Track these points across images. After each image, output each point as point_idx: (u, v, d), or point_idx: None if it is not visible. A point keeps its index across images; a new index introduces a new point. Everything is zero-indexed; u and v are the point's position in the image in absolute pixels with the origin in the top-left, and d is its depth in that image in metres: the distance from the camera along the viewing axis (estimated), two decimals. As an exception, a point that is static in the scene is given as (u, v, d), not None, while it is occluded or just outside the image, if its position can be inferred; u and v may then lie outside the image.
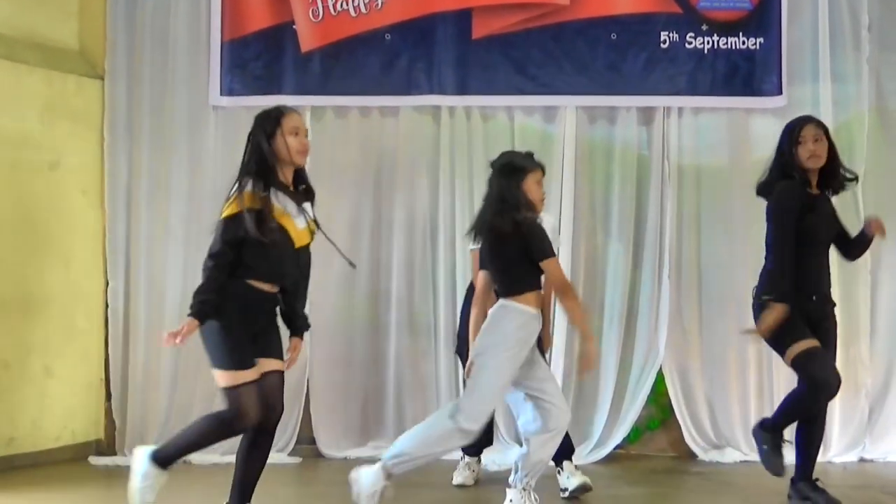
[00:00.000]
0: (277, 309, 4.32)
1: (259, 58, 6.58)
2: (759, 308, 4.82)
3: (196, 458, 6.30)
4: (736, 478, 5.93)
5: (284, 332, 4.40)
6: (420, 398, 6.52)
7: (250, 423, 4.15)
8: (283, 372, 4.30)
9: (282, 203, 4.17)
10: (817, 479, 4.84)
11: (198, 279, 6.38)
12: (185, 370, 6.44)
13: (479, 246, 5.42)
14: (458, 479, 5.62)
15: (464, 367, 5.71)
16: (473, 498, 5.46)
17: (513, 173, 4.61)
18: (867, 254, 6.33)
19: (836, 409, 6.34)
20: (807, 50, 6.52)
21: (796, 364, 4.71)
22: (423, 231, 6.58)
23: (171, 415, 6.44)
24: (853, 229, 5.08)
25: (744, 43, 6.48)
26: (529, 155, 4.72)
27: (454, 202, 6.52)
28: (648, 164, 6.56)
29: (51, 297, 6.26)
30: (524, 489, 4.68)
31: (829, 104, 6.39)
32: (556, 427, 4.67)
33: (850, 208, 6.05)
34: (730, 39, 6.49)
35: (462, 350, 5.68)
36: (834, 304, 4.97)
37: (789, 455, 4.93)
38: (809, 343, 4.68)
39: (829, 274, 4.94)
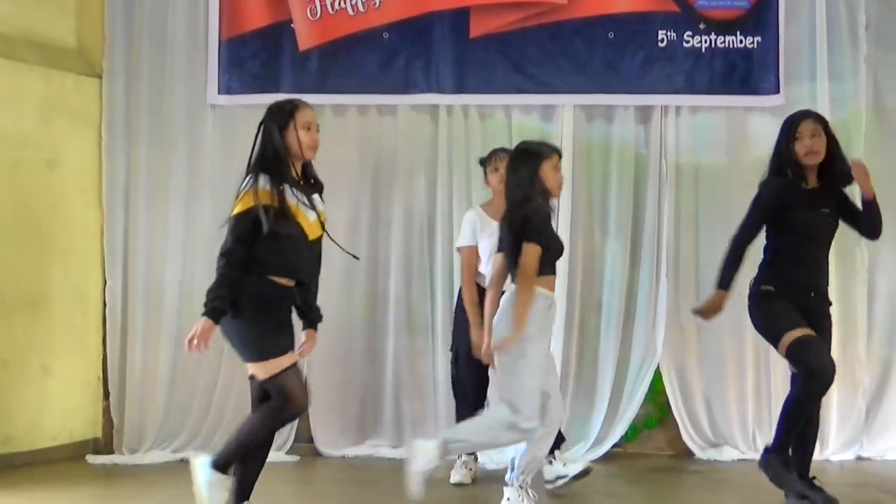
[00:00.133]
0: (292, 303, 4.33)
1: (257, 56, 6.58)
2: (753, 298, 4.83)
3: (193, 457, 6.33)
4: (733, 476, 5.93)
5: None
6: (418, 397, 6.53)
7: (301, 406, 4.16)
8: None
9: (294, 197, 4.17)
10: (814, 477, 4.83)
11: (196, 277, 6.42)
12: (183, 369, 6.44)
13: (465, 243, 5.48)
14: (455, 477, 5.61)
15: (455, 363, 5.73)
16: (471, 496, 5.46)
17: (528, 160, 4.63)
18: (865, 254, 6.39)
19: (833, 408, 6.36)
20: (804, 49, 6.52)
21: (791, 353, 4.68)
22: (421, 230, 6.59)
23: (170, 414, 6.45)
24: (853, 230, 5.06)
25: (741, 42, 6.49)
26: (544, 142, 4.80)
27: (452, 201, 6.51)
28: (646, 162, 6.56)
29: (49, 295, 6.26)
30: (521, 487, 4.70)
31: (827, 102, 6.38)
32: (552, 423, 4.69)
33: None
34: (727, 38, 6.49)
35: (458, 346, 5.69)
36: (830, 304, 4.96)
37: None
38: (803, 331, 4.66)
39: (827, 272, 4.93)
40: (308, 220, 4.21)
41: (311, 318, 4.43)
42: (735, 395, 6.47)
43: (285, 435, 6.35)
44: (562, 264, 5.82)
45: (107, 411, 6.54)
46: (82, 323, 6.47)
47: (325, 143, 6.45)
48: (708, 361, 6.51)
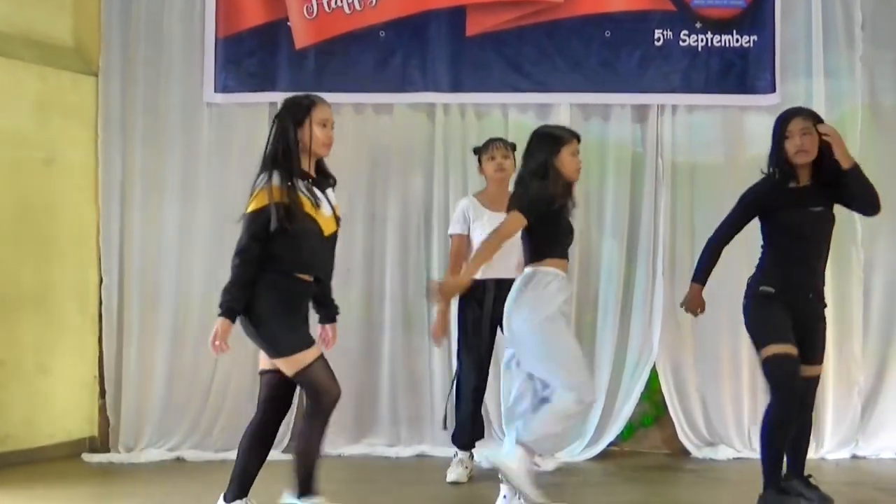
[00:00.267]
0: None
1: (253, 55, 6.58)
2: (750, 297, 4.82)
3: (190, 455, 6.34)
4: (729, 474, 5.94)
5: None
6: (414, 395, 6.53)
7: (334, 395, 4.15)
8: None
9: (308, 193, 4.17)
10: (810, 476, 4.82)
11: (192, 275, 6.41)
12: (179, 367, 6.45)
13: (455, 231, 5.54)
14: (451, 476, 5.61)
15: (459, 359, 5.72)
16: (468, 494, 5.46)
17: (548, 144, 4.62)
18: (860, 252, 6.38)
19: (828, 407, 6.37)
20: (800, 47, 6.53)
21: (765, 366, 4.65)
22: (418, 228, 6.59)
23: (166, 412, 6.45)
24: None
25: (737, 40, 6.49)
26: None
27: (448, 200, 6.51)
28: (643, 161, 6.57)
29: (45, 293, 6.26)
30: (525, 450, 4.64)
31: (823, 101, 6.39)
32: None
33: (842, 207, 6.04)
34: (724, 37, 6.49)
35: (461, 345, 5.69)
36: (825, 305, 4.89)
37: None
38: (785, 348, 4.60)
39: (823, 272, 4.85)
40: (323, 216, 4.22)
41: (329, 313, 4.45)
42: (731, 393, 6.47)
43: (282, 433, 6.33)
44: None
45: (103, 410, 6.53)
46: (78, 321, 6.47)
47: (321, 141, 6.52)
48: (704, 360, 6.51)
